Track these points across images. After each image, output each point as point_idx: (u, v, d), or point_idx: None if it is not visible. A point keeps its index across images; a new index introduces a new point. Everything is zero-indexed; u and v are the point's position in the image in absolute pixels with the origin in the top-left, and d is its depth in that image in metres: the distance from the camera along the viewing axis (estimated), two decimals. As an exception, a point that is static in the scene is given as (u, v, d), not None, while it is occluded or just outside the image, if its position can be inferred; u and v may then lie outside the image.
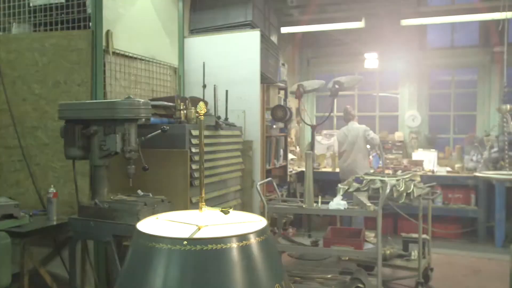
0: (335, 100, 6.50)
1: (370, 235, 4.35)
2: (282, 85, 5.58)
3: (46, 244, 3.21)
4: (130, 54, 3.48)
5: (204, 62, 3.64)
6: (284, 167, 5.87)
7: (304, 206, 3.52)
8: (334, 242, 3.53)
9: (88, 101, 2.79)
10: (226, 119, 3.65)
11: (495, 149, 6.34)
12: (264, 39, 4.29)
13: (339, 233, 3.87)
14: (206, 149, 3.11)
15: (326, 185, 6.75)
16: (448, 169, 6.54)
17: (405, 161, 6.88)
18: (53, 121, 3.22)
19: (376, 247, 3.43)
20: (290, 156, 6.44)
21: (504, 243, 5.85)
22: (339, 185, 4.25)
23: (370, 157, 6.62)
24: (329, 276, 3.84)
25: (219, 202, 3.38)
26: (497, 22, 6.33)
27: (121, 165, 2.89)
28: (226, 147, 3.49)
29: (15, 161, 3.34)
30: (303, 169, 6.65)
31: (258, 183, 3.69)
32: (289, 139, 6.50)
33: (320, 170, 6.95)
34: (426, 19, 5.91)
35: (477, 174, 4.68)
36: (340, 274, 3.94)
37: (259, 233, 0.86)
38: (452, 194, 6.29)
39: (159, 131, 2.60)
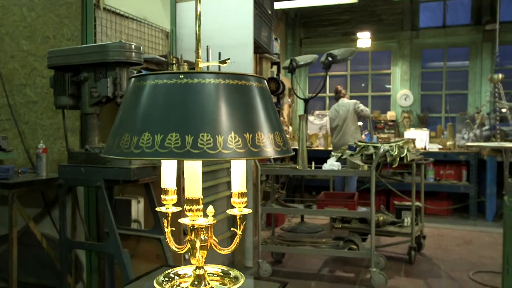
0: (328, 80, 6.50)
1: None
2: (275, 58, 5.53)
3: (35, 204, 3.15)
4: (122, 12, 3.41)
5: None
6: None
7: (298, 167, 3.49)
8: (328, 203, 3.51)
9: (78, 46, 2.73)
10: (219, 81, 3.59)
11: (486, 127, 6.38)
12: (258, 5, 4.24)
13: (332, 196, 3.86)
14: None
15: (319, 162, 6.74)
16: (440, 147, 6.57)
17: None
18: (42, 78, 3.16)
19: (370, 209, 3.42)
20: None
21: (494, 218, 5.89)
22: (332, 153, 4.24)
23: (363, 136, 6.62)
24: (323, 240, 3.82)
25: (210, 163, 3.34)
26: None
27: (111, 117, 2.85)
28: (219, 108, 3.45)
29: (3, 120, 3.27)
30: (296, 147, 6.65)
31: (251, 146, 3.65)
32: (281, 118, 6.47)
33: (312, 148, 6.94)
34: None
35: (468, 144, 4.68)
36: (334, 240, 3.93)
37: (259, 80, 0.83)
38: (444, 171, 6.31)
39: (151, 78, 2.55)
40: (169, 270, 0.99)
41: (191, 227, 0.88)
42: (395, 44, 7.52)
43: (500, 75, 4.68)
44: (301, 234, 5.01)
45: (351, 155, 4.05)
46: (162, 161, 0.91)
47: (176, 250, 0.94)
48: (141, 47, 2.49)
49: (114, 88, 2.40)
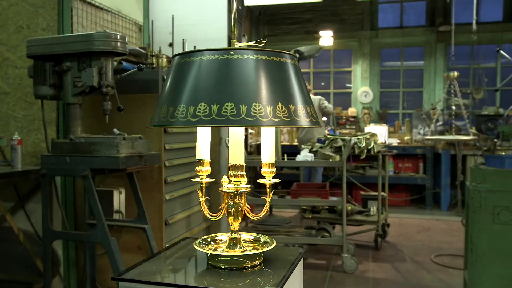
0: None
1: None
2: (243, 54, 5.61)
3: (7, 198, 3.07)
4: (97, 4, 3.38)
5: (173, 15, 3.61)
6: (245, 137, 5.92)
7: (273, 158, 3.60)
8: (301, 193, 3.65)
9: (61, 35, 2.70)
10: (194, 75, 3.64)
11: (440, 122, 6.78)
12: (229, 1, 4.31)
13: (305, 187, 4.00)
14: (177, 99, 3.11)
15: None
16: (398, 141, 6.91)
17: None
18: (15, 69, 3.08)
19: (341, 198, 3.58)
20: (249, 130, 6.52)
21: (449, 207, 6.29)
22: (302, 146, 4.38)
23: (326, 131, 6.85)
24: (296, 230, 3.96)
25: (189, 155, 3.39)
26: (444, 1, 6.74)
27: (91, 108, 2.84)
28: (195, 101, 3.49)
29: (-28, 112, 3.16)
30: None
31: (227, 138, 3.73)
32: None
33: (278, 143, 7.09)
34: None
35: (427, 137, 4.98)
36: (306, 229, 4.07)
37: (292, 57, 0.92)
38: (402, 164, 6.65)
39: (135, 69, 2.58)
40: (206, 236, 1.06)
41: (235, 192, 0.96)
42: (355, 43, 7.81)
43: (456, 73, 5.01)
44: (272, 225, 5.12)
45: (321, 147, 4.22)
46: (198, 134, 0.98)
47: (211, 217, 1.01)
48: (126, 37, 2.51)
49: (100, 77, 2.41)
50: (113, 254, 2.29)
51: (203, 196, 1.00)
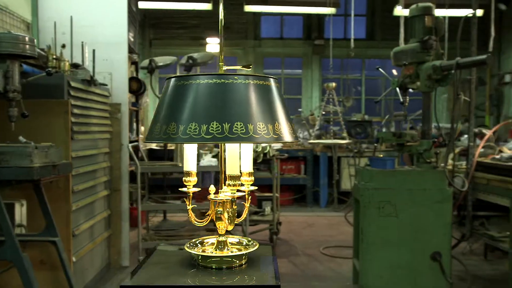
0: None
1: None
2: (135, 57, 5.52)
3: None
4: (-18, -3, 3.06)
5: (71, 16, 3.43)
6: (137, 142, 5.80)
7: (179, 164, 3.66)
8: (205, 197, 3.76)
9: (-45, 34, 2.40)
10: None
11: (318, 127, 7.48)
12: (129, 3, 4.23)
13: (205, 191, 4.12)
14: (79, 103, 2.99)
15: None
16: (282, 145, 7.42)
17: (245, 139, 7.52)
18: None
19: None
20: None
21: (327, 204, 6.98)
22: (201, 151, 4.50)
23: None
24: (198, 232, 4.06)
25: (90, 163, 3.27)
26: (318, 18, 7.46)
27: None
28: (97, 106, 3.38)
29: None
30: (151, 147, 6.70)
31: (130, 145, 3.68)
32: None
33: (170, 148, 7.05)
34: (270, 7, 6.60)
35: (310, 141, 5.50)
36: (208, 231, 4.19)
37: (275, 80, 1.06)
38: (286, 166, 7.16)
39: (44, 73, 2.43)
40: (194, 240, 1.13)
41: (232, 199, 1.06)
42: (240, 51, 8.17)
43: (334, 84, 5.62)
44: (169, 230, 5.12)
45: (219, 152, 4.39)
46: (185, 147, 1.06)
47: (197, 223, 1.10)
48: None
49: (6, 81, 2.23)
50: (26, 272, 2.15)
51: (190, 205, 1.09)
